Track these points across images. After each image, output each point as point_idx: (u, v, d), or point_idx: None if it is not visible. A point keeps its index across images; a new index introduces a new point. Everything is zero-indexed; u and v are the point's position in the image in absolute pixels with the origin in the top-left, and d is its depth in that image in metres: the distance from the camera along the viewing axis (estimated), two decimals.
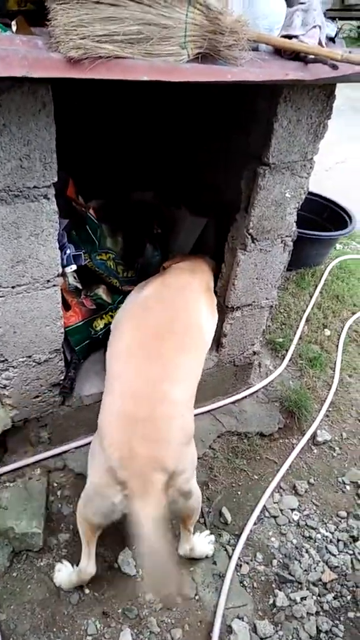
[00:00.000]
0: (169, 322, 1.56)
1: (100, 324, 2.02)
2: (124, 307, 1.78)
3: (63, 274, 1.73)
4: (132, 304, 1.73)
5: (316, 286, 3.09)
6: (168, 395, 1.37)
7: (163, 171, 2.56)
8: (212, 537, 1.82)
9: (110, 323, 1.99)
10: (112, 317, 2.00)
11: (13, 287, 1.47)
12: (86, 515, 1.46)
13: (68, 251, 1.68)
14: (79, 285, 1.95)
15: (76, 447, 1.98)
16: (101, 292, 2.05)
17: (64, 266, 1.71)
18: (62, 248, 1.62)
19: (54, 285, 1.56)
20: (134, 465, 1.25)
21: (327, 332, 2.82)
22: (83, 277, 1.98)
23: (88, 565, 1.54)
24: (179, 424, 1.36)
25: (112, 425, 1.33)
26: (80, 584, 1.63)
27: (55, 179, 1.35)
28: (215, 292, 2.05)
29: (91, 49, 1.10)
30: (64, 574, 1.64)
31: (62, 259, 1.67)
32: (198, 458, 2.06)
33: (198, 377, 1.56)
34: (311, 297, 3.00)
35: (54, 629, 1.55)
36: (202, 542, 1.77)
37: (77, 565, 1.57)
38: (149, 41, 1.19)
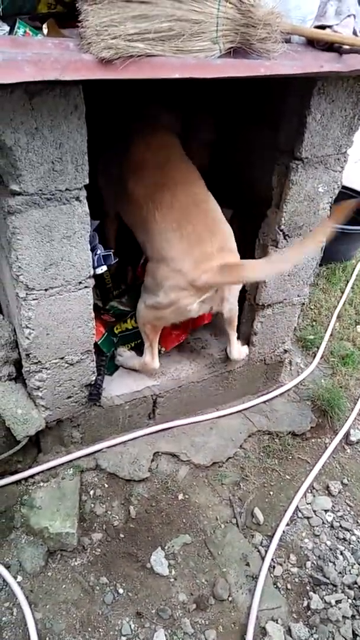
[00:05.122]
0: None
1: (121, 327, 2.05)
2: None
3: (94, 276, 1.73)
4: None
5: (347, 282, 3.02)
6: (214, 211, 1.72)
7: None
8: (246, 348, 2.12)
9: (133, 327, 2.03)
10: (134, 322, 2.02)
11: (46, 290, 1.47)
12: (152, 322, 1.80)
13: (98, 252, 1.68)
14: (100, 303, 1.99)
15: (108, 447, 1.99)
16: (115, 303, 2.07)
17: (94, 267, 1.70)
18: (93, 249, 1.61)
19: (86, 287, 1.56)
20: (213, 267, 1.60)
21: (359, 328, 2.76)
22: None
23: (153, 360, 1.87)
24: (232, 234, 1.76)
25: (179, 250, 1.63)
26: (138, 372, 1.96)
27: (87, 181, 1.34)
28: (246, 290, 2.02)
29: (123, 49, 1.09)
30: (127, 355, 1.92)
31: (93, 260, 1.67)
32: (229, 457, 2.06)
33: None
34: (342, 293, 2.93)
35: (89, 629, 1.56)
36: (240, 347, 2.07)
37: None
38: (180, 38, 1.16)
